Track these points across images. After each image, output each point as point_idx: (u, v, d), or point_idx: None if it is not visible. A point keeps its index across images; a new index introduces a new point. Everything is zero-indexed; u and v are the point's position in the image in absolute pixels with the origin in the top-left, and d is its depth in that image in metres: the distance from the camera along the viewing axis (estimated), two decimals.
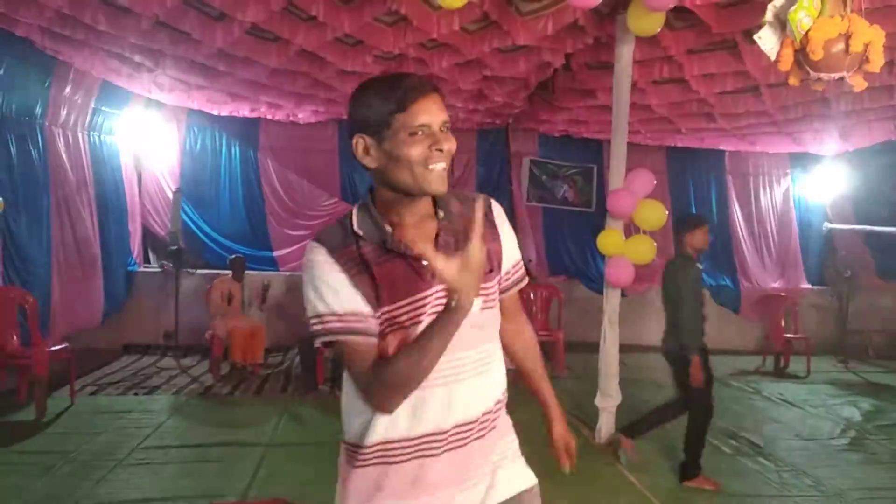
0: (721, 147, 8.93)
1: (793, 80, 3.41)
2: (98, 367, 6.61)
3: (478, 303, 1.33)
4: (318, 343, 1.32)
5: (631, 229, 5.01)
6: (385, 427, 1.34)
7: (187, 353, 7.21)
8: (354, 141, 1.33)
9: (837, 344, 8.74)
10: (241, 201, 8.21)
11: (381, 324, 1.31)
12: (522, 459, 1.57)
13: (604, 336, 4.90)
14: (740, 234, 9.25)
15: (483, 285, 1.35)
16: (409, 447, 1.35)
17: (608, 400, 4.85)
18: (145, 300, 7.59)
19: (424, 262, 1.25)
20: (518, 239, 1.57)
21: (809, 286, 9.30)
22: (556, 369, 7.09)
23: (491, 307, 1.42)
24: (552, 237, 8.88)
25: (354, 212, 1.37)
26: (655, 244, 4.85)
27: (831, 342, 8.84)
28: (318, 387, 5.91)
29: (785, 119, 6.83)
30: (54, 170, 6.03)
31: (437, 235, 1.36)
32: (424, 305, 1.32)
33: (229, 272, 6.73)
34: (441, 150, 1.30)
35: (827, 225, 9.40)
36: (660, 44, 4.91)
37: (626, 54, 4.65)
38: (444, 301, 1.26)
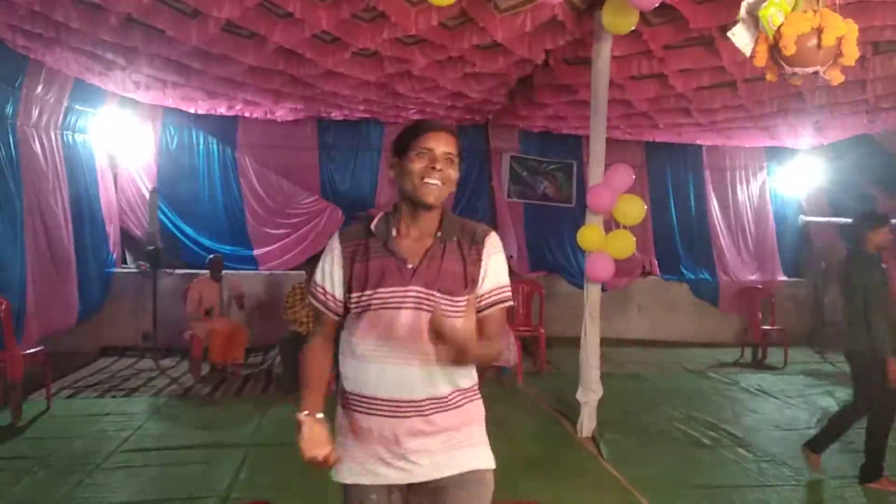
0: (698, 142, 9.01)
1: (770, 76, 3.44)
2: (75, 370, 6.52)
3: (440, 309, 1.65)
4: (309, 297, 1.83)
5: (611, 224, 5.03)
6: (346, 380, 1.75)
7: (166, 355, 7.13)
8: (391, 162, 1.78)
9: (814, 335, 8.88)
10: (219, 200, 8.12)
11: (360, 303, 1.69)
12: (482, 447, 1.77)
13: (585, 330, 4.93)
14: (718, 228, 9.36)
15: (450, 298, 1.68)
16: (363, 401, 1.70)
17: (590, 394, 4.87)
18: (123, 301, 7.49)
19: (409, 266, 1.68)
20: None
21: (786, 278, 9.44)
22: (538, 364, 7.12)
23: (455, 317, 1.66)
24: (533, 233, 8.91)
25: (379, 216, 1.77)
26: (635, 239, 4.88)
27: (808, 333, 8.99)
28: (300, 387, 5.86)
29: (760, 113, 6.92)
30: (27, 171, 5.91)
31: (428, 249, 1.71)
32: (398, 296, 1.67)
33: (207, 272, 6.66)
34: (435, 168, 1.67)
35: (802, 217, 9.54)
36: (638, 39, 4.94)
37: (604, 50, 4.67)
38: (417, 297, 1.66)
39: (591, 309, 4.93)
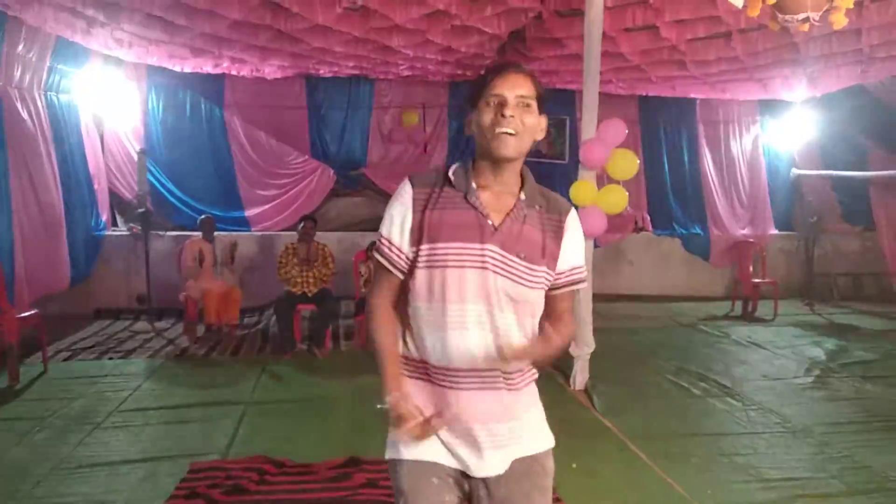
0: (692, 95, 8.94)
1: (772, 25, 3.40)
2: (70, 333, 6.53)
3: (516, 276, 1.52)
4: (373, 251, 1.65)
5: (604, 180, 5.02)
6: (408, 346, 1.60)
7: (161, 316, 7.14)
8: (466, 120, 1.59)
9: (804, 287, 8.98)
10: (208, 161, 8.02)
11: (430, 258, 1.51)
12: (545, 428, 1.70)
13: None
14: (711, 182, 9.35)
15: (529, 265, 1.52)
16: (419, 368, 1.57)
17: (582, 348, 4.93)
18: (115, 264, 7.46)
19: (490, 222, 1.50)
20: None
21: (777, 232, 9.49)
22: None
23: (526, 287, 1.53)
24: None
25: (455, 165, 1.60)
26: (627, 194, 4.87)
27: (798, 286, 9.09)
28: (296, 345, 5.92)
29: (755, 65, 6.84)
30: (11, 132, 5.79)
31: (511, 210, 1.54)
32: (474, 254, 1.50)
33: (199, 233, 6.62)
34: (504, 116, 1.46)
35: (794, 171, 9.54)
36: None
37: (596, 1, 4.57)
38: (493, 258, 1.49)
39: None
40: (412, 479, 1.55)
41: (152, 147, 7.77)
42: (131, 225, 7.23)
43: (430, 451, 1.54)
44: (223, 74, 7.81)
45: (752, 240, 8.92)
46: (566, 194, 4.98)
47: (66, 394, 4.71)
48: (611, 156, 4.74)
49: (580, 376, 4.96)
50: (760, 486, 3.39)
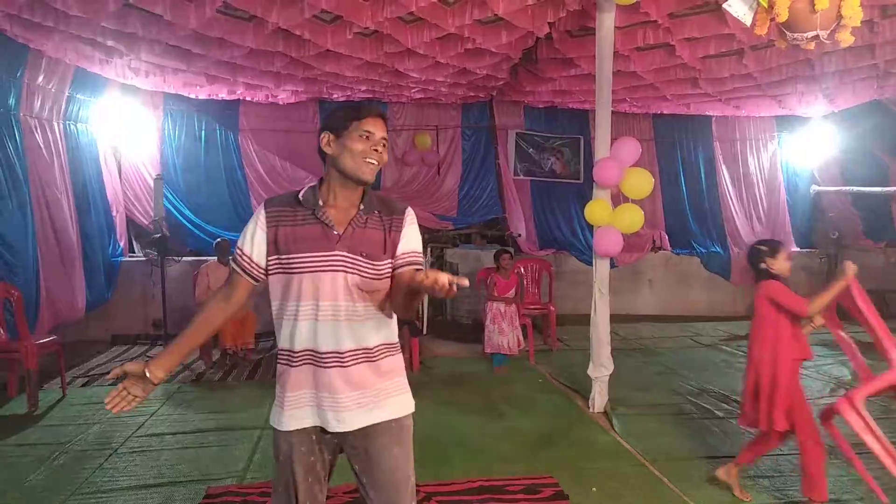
0: (707, 113, 8.91)
1: (780, 43, 3.38)
2: (88, 359, 6.57)
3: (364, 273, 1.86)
4: (230, 260, 2.00)
5: (619, 199, 4.98)
6: (280, 339, 1.90)
7: None
8: (322, 135, 1.91)
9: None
10: (223, 185, 8.11)
11: (287, 266, 1.84)
12: (403, 395, 1.96)
13: (595, 307, 4.90)
14: (729, 200, 9.27)
15: (373, 262, 1.86)
16: (296, 356, 1.86)
17: (601, 370, 4.86)
18: (132, 290, 7.52)
19: (335, 232, 1.84)
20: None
21: (798, 249, 9.35)
22: (549, 341, 7.11)
23: (373, 279, 1.87)
24: (541, 210, 8.86)
25: (306, 188, 1.93)
26: (643, 212, 4.83)
27: None
28: None
29: (769, 81, 6.81)
30: (32, 161, 5.90)
31: (352, 218, 1.87)
32: (325, 260, 1.82)
33: (215, 257, 6.65)
34: (376, 151, 1.87)
35: (814, 187, 9.43)
36: (641, 9, 4.86)
37: (607, 20, 4.58)
38: (342, 261, 1.82)
39: (600, 284, 4.90)
40: (286, 446, 1.87)
41: (168, 173, 7.87)
42: (147, 251, 7.29)
43: (300, 421, 1.85)
44: (238, 100, 7.92)
45: None
46: (582, 215, 4.96)
47: (84, 419, 4.72)
48: (625, 175, 4.71)
49: (599, 398, 4.88)
50: None
